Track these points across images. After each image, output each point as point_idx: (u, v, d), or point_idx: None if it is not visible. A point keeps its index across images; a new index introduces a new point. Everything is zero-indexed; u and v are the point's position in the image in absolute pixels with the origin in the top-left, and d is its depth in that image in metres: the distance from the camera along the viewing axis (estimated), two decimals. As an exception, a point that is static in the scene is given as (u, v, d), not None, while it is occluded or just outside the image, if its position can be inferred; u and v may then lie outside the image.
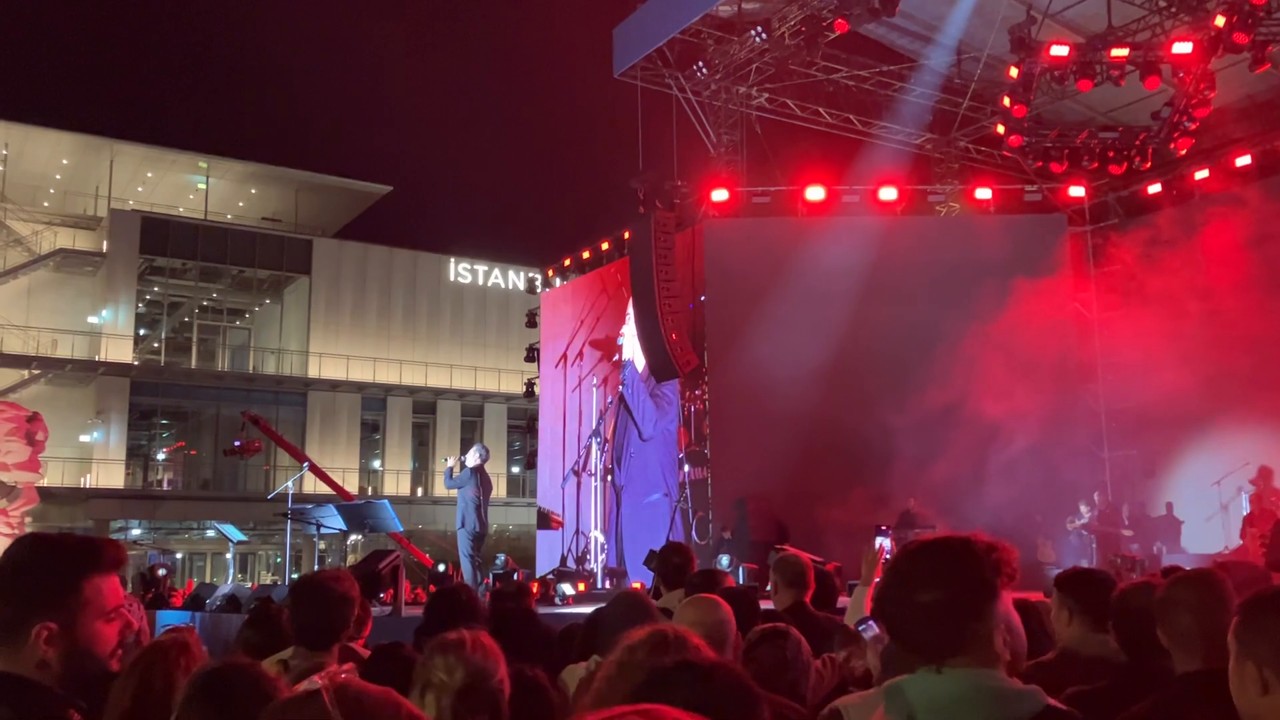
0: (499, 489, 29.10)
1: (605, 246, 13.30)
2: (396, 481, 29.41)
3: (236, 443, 12.39)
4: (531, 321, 15.80)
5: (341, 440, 28.70)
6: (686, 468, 10.95)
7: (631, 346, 11.74)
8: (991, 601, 1.29)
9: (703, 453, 10.95)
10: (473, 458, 9.65)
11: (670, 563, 3.66)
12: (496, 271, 32.46)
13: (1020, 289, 10.08)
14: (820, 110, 13.05)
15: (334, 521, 8.17)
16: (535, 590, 9.00)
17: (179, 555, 27.39)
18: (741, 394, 10.67)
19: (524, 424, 21.37)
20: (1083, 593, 2.38)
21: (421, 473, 31.49)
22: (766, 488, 10.11)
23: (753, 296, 10.85)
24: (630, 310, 11.79)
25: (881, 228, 11.15)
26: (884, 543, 3.55)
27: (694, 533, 10.21)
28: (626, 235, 12.48)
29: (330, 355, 28.71)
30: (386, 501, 8.35)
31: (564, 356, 13.43)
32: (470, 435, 30.66)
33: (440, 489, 27.69)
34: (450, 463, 9.66)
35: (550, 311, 14.80)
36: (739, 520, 10.33)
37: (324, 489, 21.58)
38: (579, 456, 11.62)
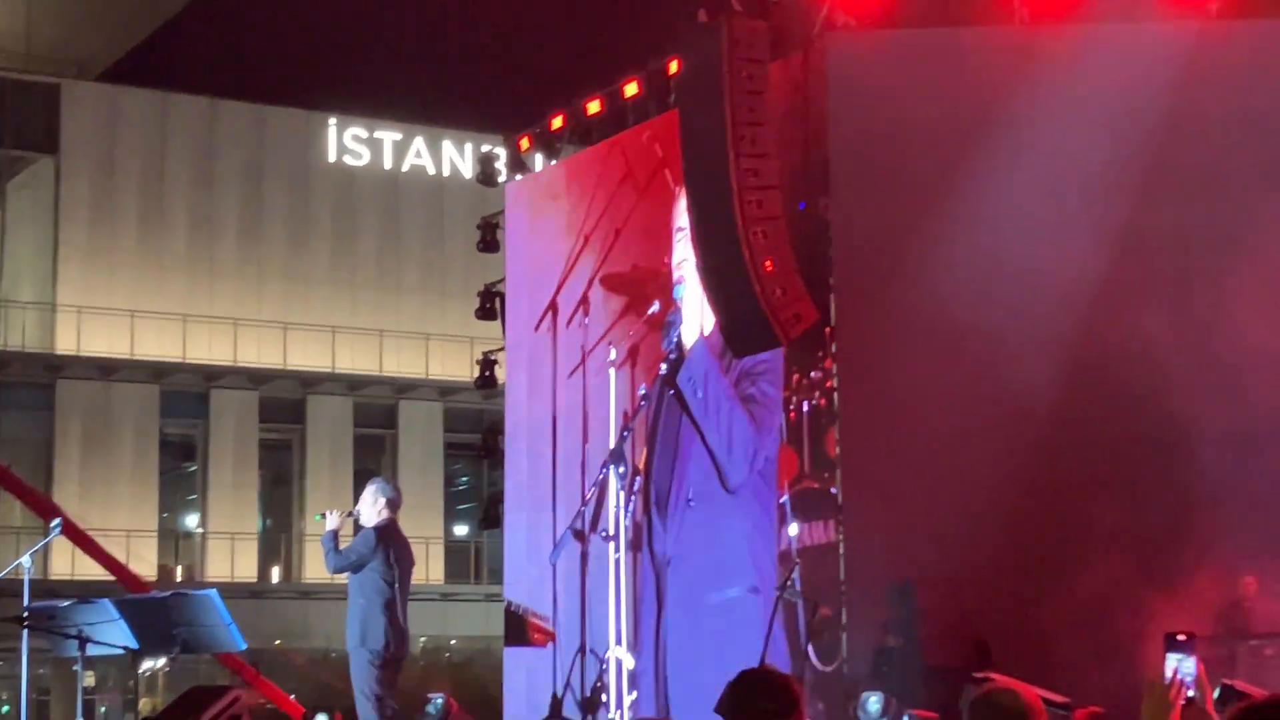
0: (429, 567, 29.46)
1: (632, 90, 13.28)
2: (232, 555, 29.94)
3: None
4: (489, 239, 15.88)
5: (124, 475, 29.23)
6: (795, 525, 10.98)
7: (691, 290, 11.75)
8: None
9: (825, 493, 10.97)
10: (371, 506, 9.76)
11: (755, 708, 3.67)
12: (420, 143, 32.69)
13: None
14: None
15: (113, 633, 8.33)
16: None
17: None
18: (901, 375, 10.67)
19: (477, 441, 21.51)
20: None
21: (279, 537, 31.96)
22: (953, 559, 10.12)
23: (922, 183, 10.81)
24: (681, 213, 11.79)
25: (1181, 45, 11.02)
26: (1184, 667, 3.57)
27: (810, 650, 10.28)
28: (673, 68, 12.44)
29: (98, 311, 29.19)
30: (214, 593, 8.50)
31: (552, 307, 13.50)
32: (372, 463, 31.03)
33: (316, 569, 28.10)
34: (332, 519, 9.79)
35: (526, 220, 14.85)
36: (901, 624, 10.33)
37: (93, 569, 22.00)
38: (584, 505, 11.69)
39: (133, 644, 8.39)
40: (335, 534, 9.67)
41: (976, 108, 10.83)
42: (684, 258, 12.04)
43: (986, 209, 10.53)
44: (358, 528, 9.97)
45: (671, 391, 11.73)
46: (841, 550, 10.76)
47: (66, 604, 8.66)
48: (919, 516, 10.31)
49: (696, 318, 11.88)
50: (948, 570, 10.17)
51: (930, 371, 10.53)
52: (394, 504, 9.91)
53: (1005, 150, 10.64)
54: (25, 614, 8.83)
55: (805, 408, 11.16)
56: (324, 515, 9.89)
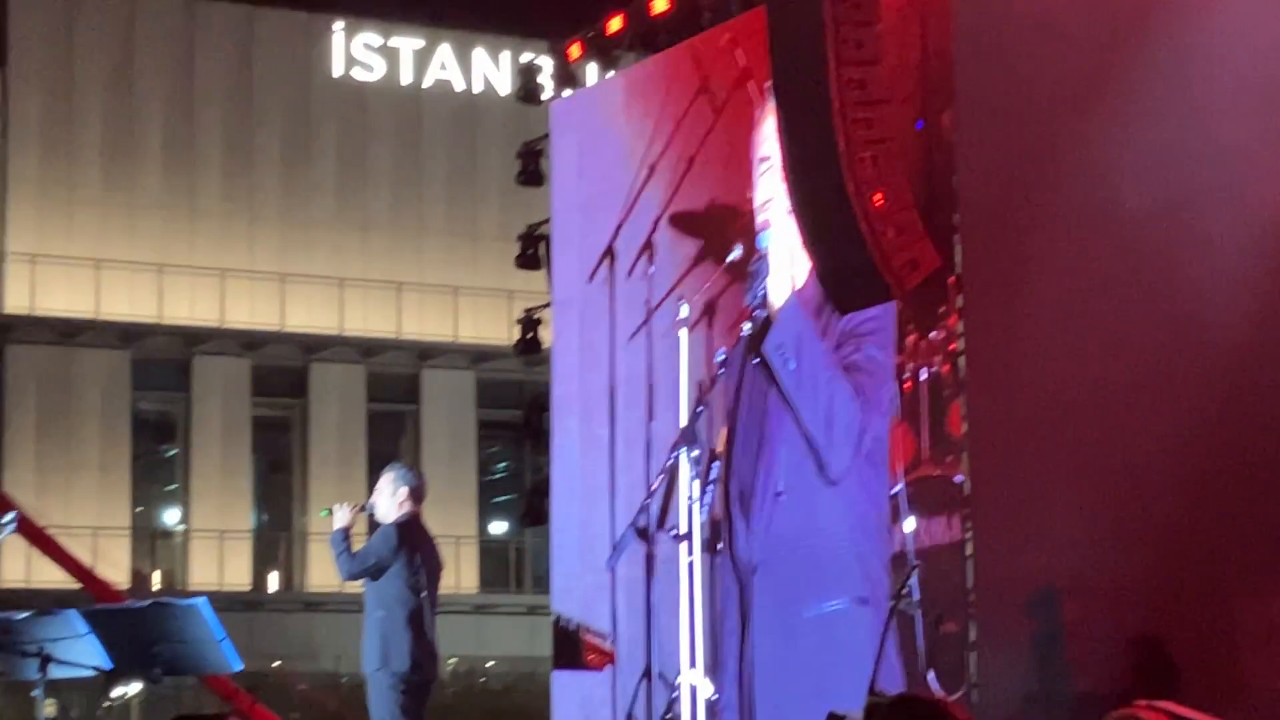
0: (460, 572, 29.66)
1: (706, -17, 13.30)
2: (220, 558, 30.27)
3: None
4: (531, 170, 15.94)
5: (89, 461, 29.55)
6: (911, 520, 10.96)
7: (779, 236, 11.74)
8: None
9: (949, 481, 10.96)
10: (390, 498, 9.83)
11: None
12: (445, 51, 32.76)
13: None
14: None
15: (81, 651, 8.42)
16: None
17: None
18: (1046, 334, 10.62)
19: (518, 419, 21.53)
20: None
21: (277, 536, 32.25)
22: (1112, 561, 10.08)
23: (1074, 91, 10.71)
24: (766, 139, 11.73)
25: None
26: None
27: (930, 673, 10.30)
28: (758, -45, 12.42)
29: (55, 261, 29.49)
30: (203, 603, 8.57)
31: (609, 254, 13.53)
32: (389, 445, 31.22)
33: (323, 574, 28.39)
34: (341, 514, 9.87)
35: (577, 145, 14.86)
36: (1044, 642, 10.27)
37: (53, 575, 22.28)
38: (649, 497, 11.74)
39: (105, 664, 8.48)
40: (346, 532, 9.75)
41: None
42: (770, 196, 11.97)
43: (1158, 120, 10.39)
44: (373, 525, 10.04)
45: (756, 360, 11.71)
46: (969, 551, 10.74)
47: (23, 616, 8.75)
48: (1067, 508, 10.26)
49: (786, 269, 11.81)
50: (1104, 575, 10.12)
51: (1082, 328, 10.45)
52: (417, 494, 9.98)
53: (1184, 40, 10.48)
54: (-26, 630, 8.96)
55: (924, 376, 11.10)
56: (331, 511, 9.98)
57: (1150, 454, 10.16)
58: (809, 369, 11.50)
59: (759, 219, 12.10)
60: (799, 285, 11.64)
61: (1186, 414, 10.19)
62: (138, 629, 8.58)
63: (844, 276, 10.87)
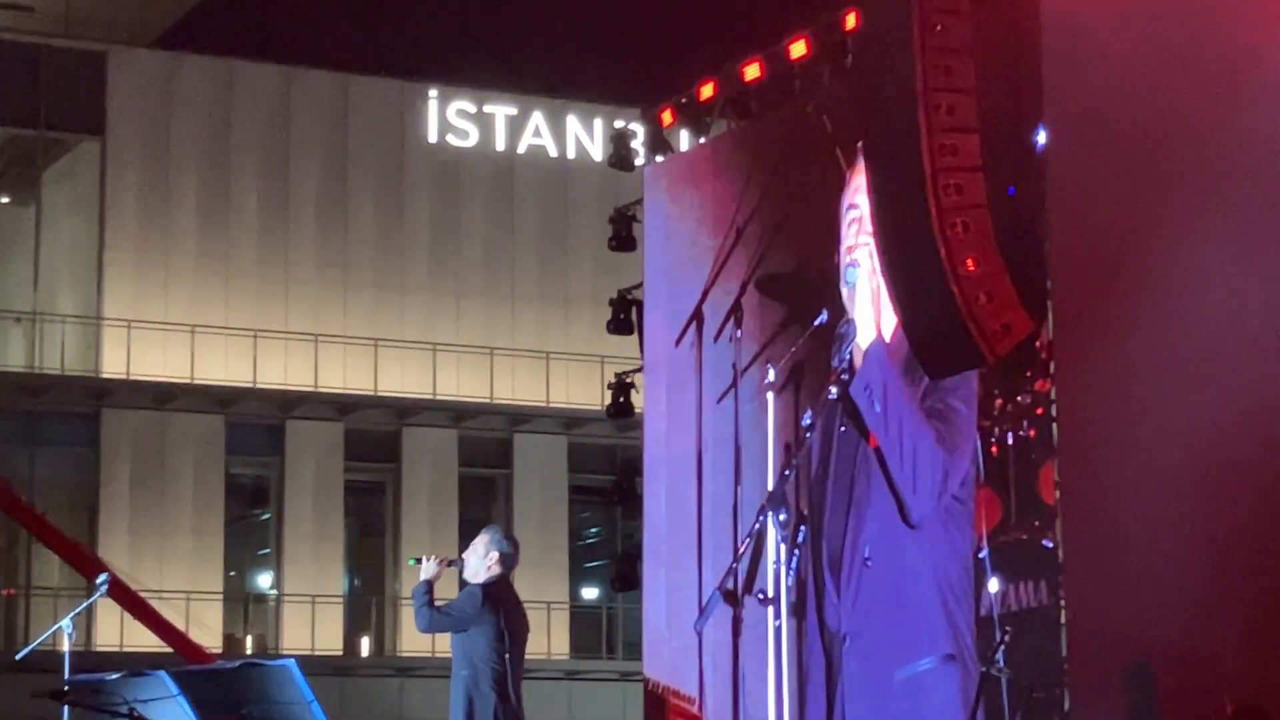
0: (551, 638, 29.63)
1: (799, 51, 13.36)
2: (312, 622, 30.40)
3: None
4: (623, 235, 16.08)
5: (183, 525, 29.82)
6: (996, 583, 10.89)
7: (866, 278, 11.69)
8: None
9: (1037, 546, 10.87)
10: (481, 559, 9.88)
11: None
12: (538, 118, 32.99)
13: None
14: None
15: (171, 712, 8.49)
16: None
17: None
18: (1140, 399, 10.55)
19: (609, 483, 21.51)
20: None
21: (369, 601, 32.36)
22: (1208, 631, 9.97)
23: (1168, 154, 10.67)
24: (855, 191, 11.74)
25: None
26: None
27: (1022, 745, 10.19)
28: (851, 21, 12.47)
29: (151, 327, 29.86)
30: (292, 664, 8.65)
31: (696, 317, 13.56)
32: (481, 510, 31.29)
33: (416, 640, 28.47)
34: (428, 566, 9.91)
35: (668, 210, 14.94)
36: (1140, 712, 10.16)
37: (146, 639, 22.41)
38: (736, 560, 11.70)
39: (197, 729, 8.57)
40: (430, 585, 9.83)
41: (1240, 48, 10.66)
42: (856, 243, 11.98)
43: (1256, 182, 10.31)
44: (462, 582, 10.12)
45: (844, 428, 11.65)
46: (1063, 619, 10.65)
47: (115, 676, 8.85)
48: (1163, 575, 10.15)
49: (871, 314, 11.77)
50: (1201, 644, 10.02)
51: (1177, 392, 10.36)
52: (507, 561, 10.04)
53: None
54: (66, 688, 9.07)
55: (1010, 440, 11.04)
56: (419, 560, 10.05)
57: (1250, 520, 10.04)
58: (894, 411, 11.42)
59: (847, 259, 12.09)
60: (887, 339, 11.61)
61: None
62: (228, 690, 8.64)
63: (936, 342, 10.81)
